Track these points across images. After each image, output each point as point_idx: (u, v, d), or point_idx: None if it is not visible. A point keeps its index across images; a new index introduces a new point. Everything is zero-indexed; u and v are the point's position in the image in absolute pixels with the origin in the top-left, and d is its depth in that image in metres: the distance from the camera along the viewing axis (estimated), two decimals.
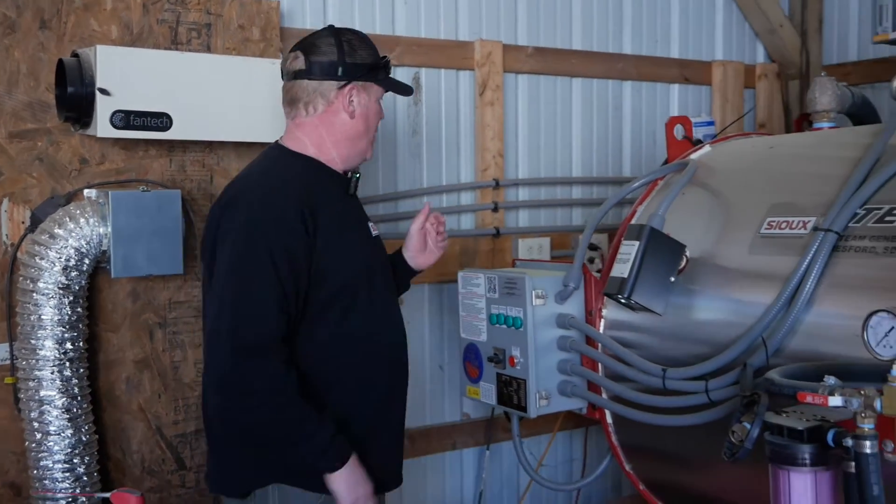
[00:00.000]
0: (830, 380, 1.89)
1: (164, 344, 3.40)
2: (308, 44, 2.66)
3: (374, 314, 2.69)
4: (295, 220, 2.49)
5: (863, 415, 1.79)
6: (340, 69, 2.61)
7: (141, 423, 3.37)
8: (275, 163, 2.70)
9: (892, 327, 1.75)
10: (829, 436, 2.03)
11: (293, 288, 2.46)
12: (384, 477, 2.72)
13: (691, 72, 4.80)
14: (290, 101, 2.68)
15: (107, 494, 2.61)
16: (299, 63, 2.64)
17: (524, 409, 3.17)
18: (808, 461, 2.07)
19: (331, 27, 2.74)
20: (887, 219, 2.37)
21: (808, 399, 1.85)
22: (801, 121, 3.73)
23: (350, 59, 2.62)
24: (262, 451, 2.56)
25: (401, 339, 2.81)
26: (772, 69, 5.02)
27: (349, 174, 2.75)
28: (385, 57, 2.75)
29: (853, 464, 1.92)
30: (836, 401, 1.80)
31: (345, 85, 2.62)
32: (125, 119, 3.03)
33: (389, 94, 2.80)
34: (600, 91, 4.58)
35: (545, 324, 3.17)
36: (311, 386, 2.53)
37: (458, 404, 4.23)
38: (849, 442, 1.87)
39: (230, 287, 2.46)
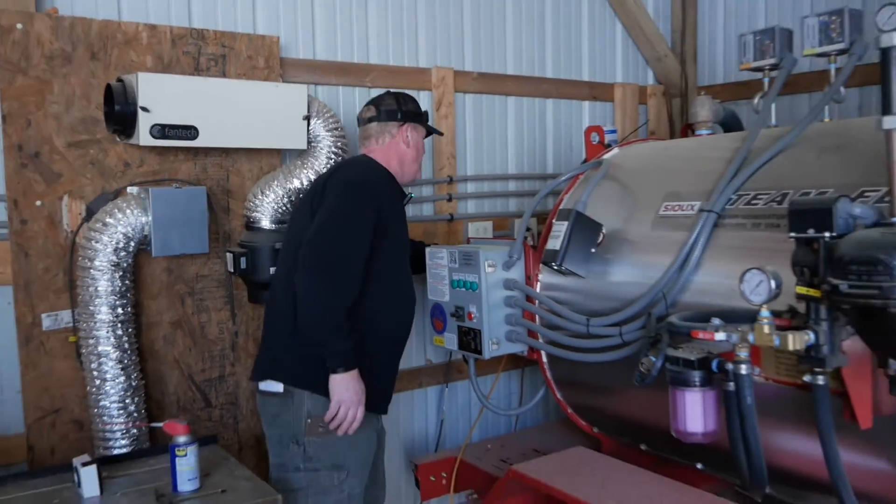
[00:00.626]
0: (716, 321, 1.99)
1: (192, 308, 3.39)
2: (377, 100, 3.07)
3: (405, 277, 2.90)
4: (378, 194, 2.76)
5: (740, 345, 1.92)
6: (400, 114, 3.01)
7: (176, 371, 3.36)
8: (369, 161, 2.97)
9: (761, 280, 1.83)
10: (714, 364, 2.17)
11: (369, 236, 2.67)
12: (379, 399, 2.83)
13: (598, 91, 4.80)
14: (366, 137, 3.05)
15: (160, 424, 2.64)
16: (371, 112, 3.03)
17: (480, 353, 3.21)
18: (698, 383, 2.19)
19: (389, 91, 3.17)
20: (753, 202, 2.44)
21: (700, 335, 1.95)
22: (685, 129, 3.79)
23: (405, 107, 3.04)
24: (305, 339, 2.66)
25: (414, 302, 2.97)
26: (659, 89, 5.03)
27: (406, 191, 3.08)
28: (426, 110, 3.14)
29: (731, 384, 2.06)
30: (720, 336, 1.92)
31: (403, 124, 2.99)
32: (161, 131, 3.01)
33: None
34: (529, 107, 4.56)
35: (495, 286, 3.19)
36: (357, 310, 2.66)
37: (423, 352, 4.20)
38: (729, 367, 2.01)
39: (331, 226, 2.63)
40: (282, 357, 2.77)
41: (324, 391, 2.63)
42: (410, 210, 4.11)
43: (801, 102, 4.13)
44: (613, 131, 3.92)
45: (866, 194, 2.10)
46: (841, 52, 2.59)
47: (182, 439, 2.50)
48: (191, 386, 3.42)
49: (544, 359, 3.26)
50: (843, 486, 1.93)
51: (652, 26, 4.90)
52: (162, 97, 3.02)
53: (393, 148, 3.02)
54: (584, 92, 4.76)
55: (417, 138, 3.07)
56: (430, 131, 3.18)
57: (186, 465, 2.50)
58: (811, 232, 1.77)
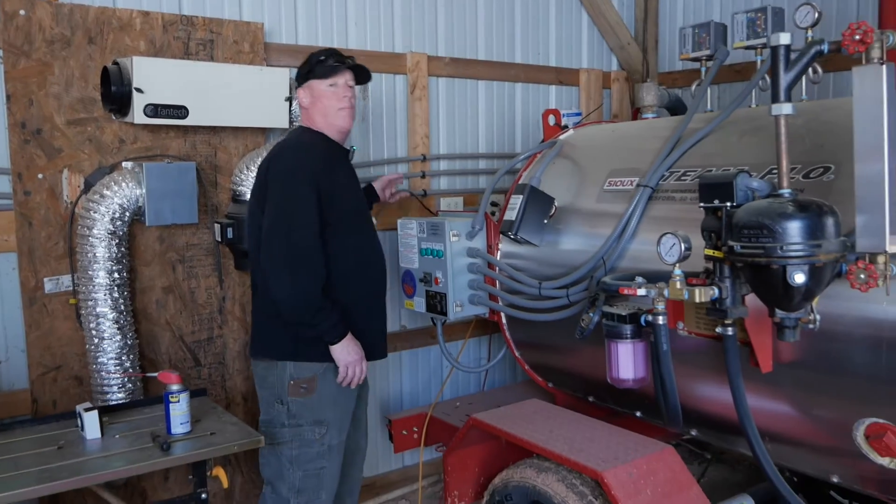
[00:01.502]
0: (639, 279, 2.26)
1: (183, 275, 3.57)
2: None
3: (365, 237, 2.99)
4: (321, 163, 2.79)
5: (657, 299, 2.19)
6: (295, 82, 2.99)
7: (168, 332, 3.56)
8: (302, 133, 2.98)
9: (674, 243, 2.10)
10: (642, 318, 2.45)
11: (319, 209, 2.76)
12: (375, 349, 3.03)
13: (564, 76, 4.97)
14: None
15: (155, 374, 2.89)
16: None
17: (445, 314, 3.44)
18: (629, 335, 2.48)
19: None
20: (683, 178, 2.68)
21: (626, 292, 2.23)
22: (636, 112, 4.01)
23: (298, 73, 2.99)
24: (299, 323, 2.80)
25: (381, 257, 3.09)
26: (622, 75, 5.22)
27: (349, 147, 3.04)
28: (320, 57, 2.95)
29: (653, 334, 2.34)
30: (642, 291, 2.19)
31: (297, 88, 2.97)
32: (154, 110, 3.18)
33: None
34: (499, 90, 4.72)
35: (459, 254, 3.40)
36: (329, 282, 2.80)
37: (398, 318, 4.40)
38: (648, 318, 2.28)
39: (281, 210, 2.73)
40: (264, 334, 2.94)
41: (304, 357, 2.83)
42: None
43: (735, 90, 4.37)
44: (578, 114, 4.16)
45: (773, 171, 2.37)
46: (765, 46, 2.84)
47: (175, 387, 2.74)
48: (181, 346, 3.63)
49: (504, 320, 3.51)
50: (748, 423, 2.21)
51: (615, 16, 5.10)
52: (155, 79, 3.19)
53: (305, 116, 3.01)
54: (551, 77, 4.95)
55: (314, 92, 2.94)
56: (315, 77, 2.94)
57: (179, 411, 2.74)
58: (716, 202, 2.04)
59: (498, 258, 3.42)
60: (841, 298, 2.06)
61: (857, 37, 1.75)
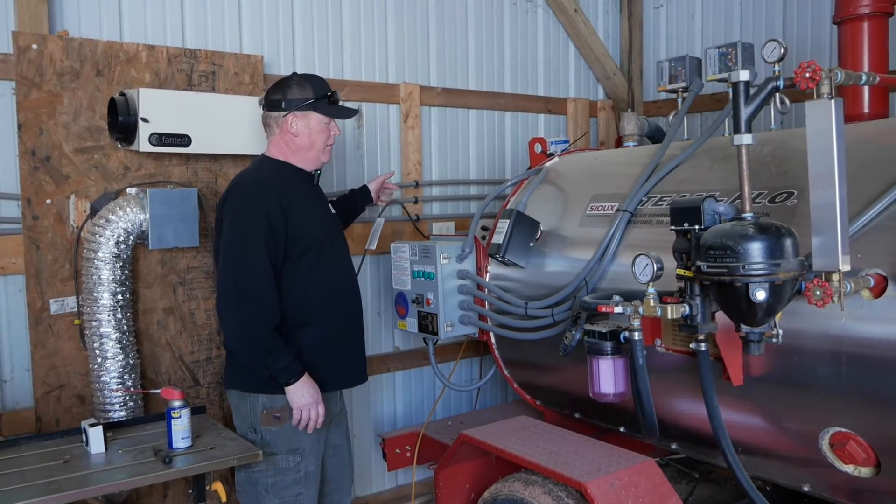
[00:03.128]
0: (616, 297, 2.40)
1: (183, 297, 3.66)
2: (270, 86, 2.99)
3: (333, 266, 2.98)
4: (274, 200, 2.79)
5: (633, 316, 2.33)
6: (284, 102, 2.89)
7: (168, 353, 3.63)
8: (260, 165, 2.98)
9: (647, 263, 2.24)
10: (622, 335, 2.58)
11: (274, 246, 2.76)
12: (345, 377, 3.04)
13: (552, 105, 5.11)
14: (263, 126, 3.04)
15: (157, 391, 3.00)
16: (262, 99, 3.00)
17: (436, 334, 3.54)
18: (609, 352, 2.61)
19: (293, 74, 3.05)
20: (659, 203, 2.83)
21: (604, 309, 2.36)
22: (619, 141, 4.17)
23: (291, 95, 2.88)
24: (249, 365, 2.83)
25: (353, 283, 3.09)
26: (608, 104, 5.37)
27: (314, 171, 3.02)
28: (327, 93, 2.92)
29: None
30: (619, 309, 2.32)
31: (287, 114, 2.88)
32: (159, 139, 3.30)
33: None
34: (489, 119, 4.85)
35: (449, 276, 3.51)
36: (289, 318, 2.81)
37: (392, 340, 4.49)
38: (626, 335, 2.42)
39: (232, 249, 2.74)
40: (234, 366, 2.94)
41: (276, 389, 2.82)
42: (380, 210, 4.46)
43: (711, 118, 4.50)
44: (566, 141, 4.32)
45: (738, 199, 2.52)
46: None
47: (177, 403, 2.85)
48: (181, 366, 3.70)
49: (493, 339, 3.62)
50: (722, 435, 2.34)
51: (601, 47, 5.28)
52: (159, 109, 3.31)
53: (283, 140, 2.92)
54: (540, 105, 5.10)
55: (311, 125, 2.89)
56: (327, 113, 2.90)
57: (181, 426, 2.84)
58: (686, 225, 2.19)
59: (487, 280, 3.53)
60: (803, 315, 2.21)
61: (808, 74, 1.91)
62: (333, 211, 3.18)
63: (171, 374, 3.69)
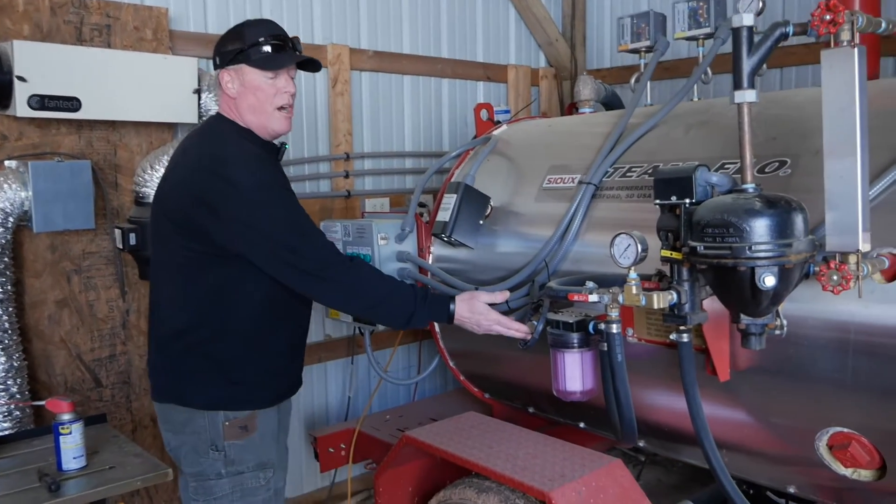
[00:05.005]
0: (590, 284, 2.07)
1: (80, 286, 3.27)
2: None
3: None
4: (279, 175, 2.36)
5: (611, 306, 2.01)
6: (218, 59, 2.39)
7: (63, 351, 3.24)
8: (230, 131, 2.36)
9: (629, 244, 1.91)
10: (591, 325, 2.26)
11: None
12: (299, 379, 2.63)
13: (492, 72, 4.84)
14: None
15: (42, 402, 2.54)
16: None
17: (373, 325, 3.21)
18: (576, 344, 2.29)
19: (244, 21, 2.48)
20: (628, 174, 2.52)
21: (576, 298, 2.03)
22: (571, 108, 3.88)
23: (222, 48, 2.37)
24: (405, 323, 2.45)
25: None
26: (550, 72, 5.12)
27: (279, 144, 2.50)
28: (260, 38, 2.32)
29: (606, 344, 2.16)
30: (594, 297, 2.00)
31: (221, 70, 2.37)
32: (40, 102, 2.89)
33: None
34: (425, 86, 4.56)
35: (388, 259, 3.17)
36: (261, 322, 2.36)
37: (322, 328, 4.17)
38: (602, 327, 2.10)
39: (291, 236, 2.26)
40: (186, 380, 2.36)
41: (239, 404, 2.35)
42: (307, 186, 4.09)
43: (680, 85, 4.27)
44: (506, 111, 4.01)
45: (726, 165, 2.22)
46: (708, 36, 2.71)
47: (66, 417, 2.41)
48: (79, 366, 3.30)
49: (437, 329, 3.30)
50: (705, 435, 2.05)
51: (543, 11, 4.99)
52: (41, 67, 2.89)
53: (227, 105, 2.39)
54: (479, 73, 4.81)
55: (245, 81, 2.33)
56: (255, 65, 2.31)
57: (71, 443, 2.42)
58: (674, 199, 1.86)
59: (430, 262, 3.19)
60: (803, 300, 1.92)
61: (828, 17, 1.60)
62: None
63: (67, 375, 3.29)
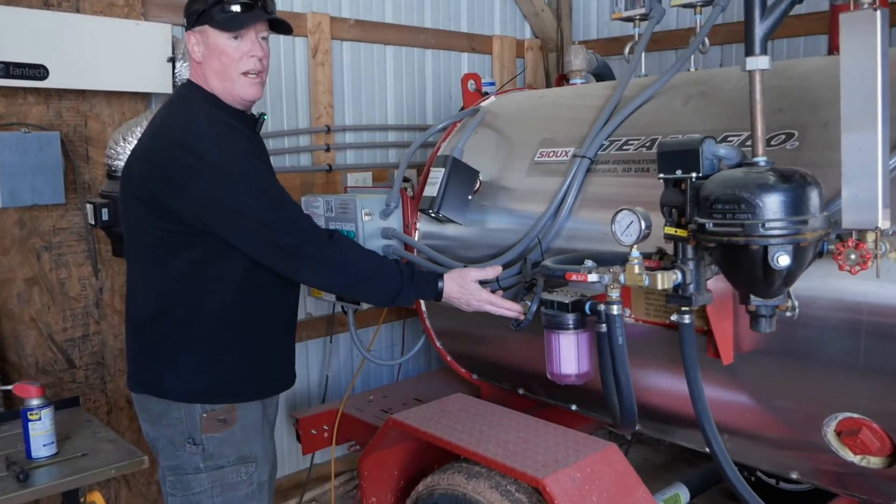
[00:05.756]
0: (589, 263, 1.95)
1: (50, 264, 3.12)
2: None
3: None
4: (249, 146, 2.15)
5: (612, 286, 1.89)
6: (185, 20, 2.20)
7: (33, 331, 3.10)
8: (203, 101, 2.19)
9: (631, 221, 1.78)
10: (587, 306, 2.15)
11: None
12: (292, 373, 2.46)
13: (477, 43, 4.68)
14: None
15: (9, 387, 2.40)
16: None
17: (357, 303, 3.08)
18: (571, 326, 2.17)
19: None
20: (624, 147, 2.39)
21: (574, 277, 1.90)
22: (560, 79, 3.74)
23: (188, 9, 2.18)
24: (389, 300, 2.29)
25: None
26: (536, 43, 4.97)
27: (258, 115, 2.33)
28: (220, 0, 2.12)
29: (604, 325, 2.04)
30: (593, 277, 1.87)
31: (186, 33, 2.20)
32: (4, 69, 2.72)
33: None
34: (408, 57, 4.40)
35: (373, 235, 3.02)
36: (250, 311, 2.22)
37: (303, 305, 4.00)
38: (601, 308, 1.98)
39: (266, 212, 2.08)
40: (161, 369, 2.21)
41: (219, 397, 2.20)
42: (287, 160, 3.93)
43: (669, 58, 4.19)
44: (491, 83, 3.84)
45: (729, 138, 2.11)
46: (706, 3, 2.59)
47: (35, 402, 2.29)
48: (51, 346, 3.17)
49: (423, 308, 3.17)
50: (706, 420, 1.95)
51: None
52: (5, 32, 2.73)
53: (195, 70, 2.22)
54: (463, 43, 4.65)
55: (210, 44, 2.15)
56: (217, 27, 2.13)
57: (41, 430, 2.29)
58: (679, 173, 1.74)
59: (416, 239, 3.05)
60: (814, 278, 1.81)
61: None
62: None
63: (38, 356, 3.16)
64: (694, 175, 1.72)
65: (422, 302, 3.14)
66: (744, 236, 1.57)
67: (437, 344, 3.22)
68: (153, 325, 2.19)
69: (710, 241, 1.64)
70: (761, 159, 1.66)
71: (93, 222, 3.03)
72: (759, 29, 1.62)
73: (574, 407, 2.76)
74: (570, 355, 2.17)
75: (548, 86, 4.94)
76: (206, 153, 2.04)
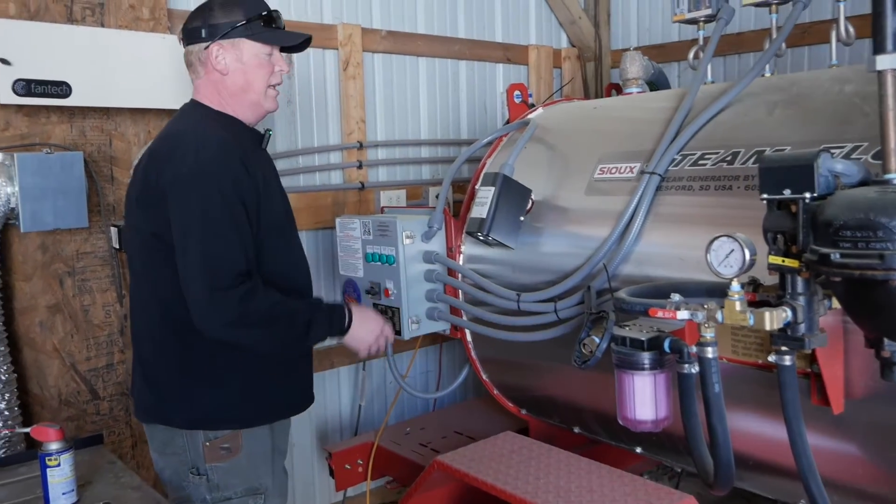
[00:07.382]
0: (676, 297, 1.68)
1: (73, 290, 2.91)
2: (189, 14, 2.19)
3: (297, 255, 2.29)
4: (240, 166, 2.02)
5: (706, 325, 1.62)
6: (204, 31, 2.11)
7: (56, 360, 2.88)
8: (202, 117, 2.15)
9: (732, 250, 1.54)
10: (666, 344, 1.87)
11: (246, 227, 2.01)
12: (306, 398, 2.32)
13: (512, 53, 4.45)
14: (187, 67, 2.22)
15: (27, 430, 2.17)
16: (181, 32, 2.19)
17: (399, 333, 2.83)
18: (647, 365, 1.90)
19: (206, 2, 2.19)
20: (700, 162, 2.13)
21: (660, 315, 1.63)
22: (610, 89, 3.49)
23: (212, 20, 2.10)
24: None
25: (309, 275, 2.37)
26: (573, 52, 4.74)
27: (264, 130, 2.26)
28: (262, 13, 2.13)
29: (686, 366, 1.77)
30: (684, 314, 1.60)
31: (209, 44, 2.10)
32: (26, 87, 2.54)
33: None
34: (441, 68, 4.17)
35: (414, 259, 2.81)
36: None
37: None
38: (692, 350, 1.70)
39: (194, 235, 1.95)
40: (159, 396, 2.14)
41: (221, 424, 2.10)
42: (318, 178, 3.71)
43: (733, 64, 3.91)
44: (529, 95, 3.62)
45: (830, 152, 1.83)
46: (784, 2, 2.32)
47: (54, 447, 2.04)
48: (74, 377, 2.94)
49: (468, 337, 2.91)
50: (812, 477, 1.67)
51: None
52: (27, 49, 2.55)
53: (210, 82, 2.15)
54: (498, 54, 4.41)
55: (244, 57, 2.12)
56: (260, 40, 2.13)
57: (60, 477, 2.04)
58: (787, 192, 1.48)
59: (461, 263, 2.80)
60: None
61: None
62: None
63: (61, 387, 2.93)
64: (808, 195, 1.45)
65: (467, 331, 2.88)
66: (882, 270, 1.29)
67: (483, 376, 2.95)
68: (151, 348, 2.10)
69: (836, 274, 1.37)
70: (894, 176, 1.39)
71: (117, 246, 2.88)
72: (892, 23, 1.35)
73: (639, 450, 2.48)
74: (645, 399, 1.89)
75: (587, 96, 4.70)
76: (183, 161, 1.99)
